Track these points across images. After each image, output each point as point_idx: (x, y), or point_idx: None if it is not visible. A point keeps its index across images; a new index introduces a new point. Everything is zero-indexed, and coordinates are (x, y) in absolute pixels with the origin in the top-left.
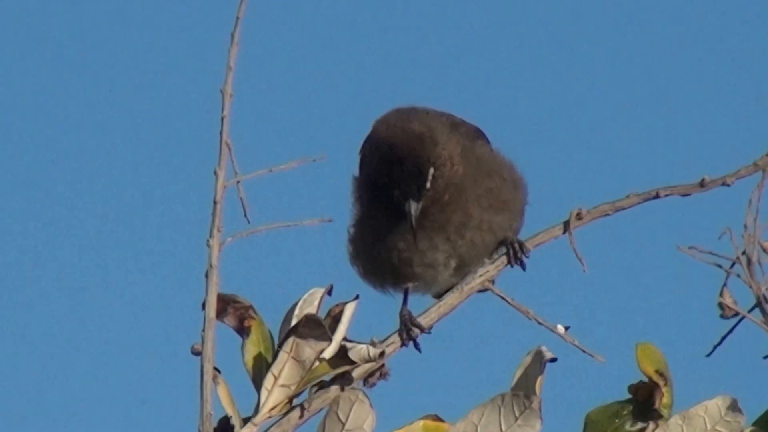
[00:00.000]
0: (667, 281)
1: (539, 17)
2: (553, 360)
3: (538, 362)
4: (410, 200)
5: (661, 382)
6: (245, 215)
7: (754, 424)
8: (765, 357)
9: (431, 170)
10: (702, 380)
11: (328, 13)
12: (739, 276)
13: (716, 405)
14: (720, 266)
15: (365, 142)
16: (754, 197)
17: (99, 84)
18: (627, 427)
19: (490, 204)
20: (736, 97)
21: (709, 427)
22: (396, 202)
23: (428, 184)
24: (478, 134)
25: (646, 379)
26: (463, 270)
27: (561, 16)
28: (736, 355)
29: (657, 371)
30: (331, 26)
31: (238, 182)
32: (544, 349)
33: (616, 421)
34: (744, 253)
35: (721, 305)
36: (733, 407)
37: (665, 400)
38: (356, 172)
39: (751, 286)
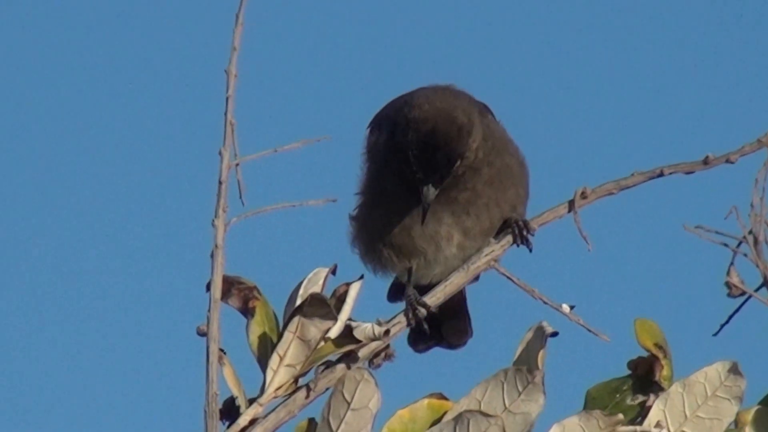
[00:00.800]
0: (672, 260)
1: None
2: (554, 334)
3: (540, 337)
4: (430, 186)
5: (660, 355)
6: (240, 197)
7: (760, 403)
8: None
9: (459, 162)
10: (709, 359)
11: None
12: (745, 255)
13: (716, 370)
14: (727, 245)
15: (399, 109)
16: (760, 176)
17: (106, 66)
18: (627, 401)
19: (500, 181)
20: (739, 75)
21: (709, 393)
22: (414, 180)
23: (455, 170)
24: (486, 110)
25: (645, 354)
26: (466, 246)
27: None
28: (743, 334)
29: (656, 344)
30: (336, 7)
31: (237, 164)
32: (544, 323)
33: (617, 396)
34: (751, 232)
35: (728, 284)
36: (734, 371)
37: (665, 372)
38: (370, 134)
39: (758, 266)
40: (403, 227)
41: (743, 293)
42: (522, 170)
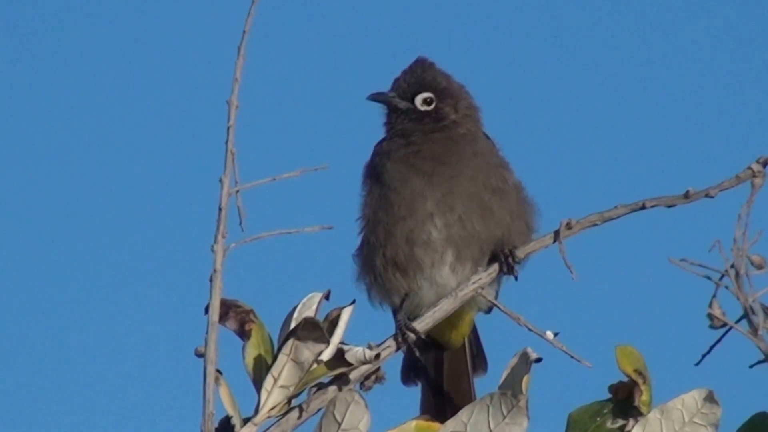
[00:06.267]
0: (653, 289)
1: (530, 31)
2: (539, 360)
3: (524, 362)
4: (397, 96)
5: (639, 381)
6: (240, 224)
7: (739, 431)
8: (751, 366)
9: (428, 94)
10: (689, 387)
11: (331, 25)
12: (727, 288)
13: (693, 398)
14: (710, 278)
15: None
16: (743, 211)
17: (110, 93)
18: (608, 425)
19: (484, 184)
20: (723, 111)
21: (686, 419)
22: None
23: (421, 100)
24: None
25: (625, 380)
26: (457, 269)
27: (552, 31)
28: (722, 363)
29: (636, 370)
30: (335, 39)
31: (237, 191)
32: (529, 350)
33: (597, 419)
34: (733, 266)
35: (710, 316)
36: (710, 399)
37: (644, 397)
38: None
39: (739, 298)
40: (404, 235)
41: (724, 325)
42: (522, 206)
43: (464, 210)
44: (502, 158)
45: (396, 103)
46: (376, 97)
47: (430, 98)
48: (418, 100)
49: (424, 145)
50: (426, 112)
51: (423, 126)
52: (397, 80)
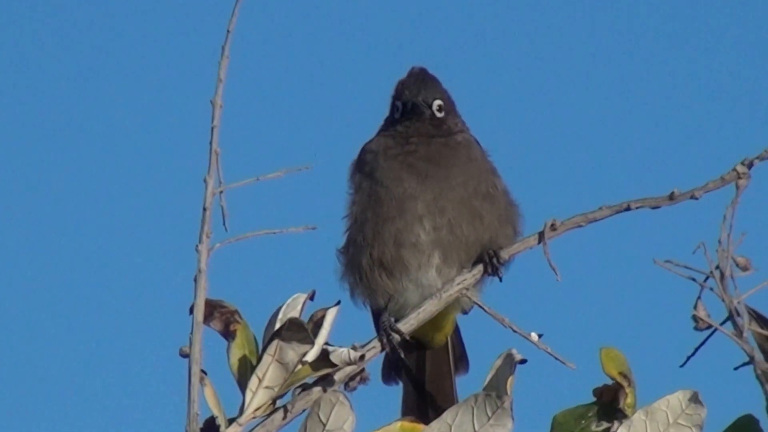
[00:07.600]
0: (638, 291)
1: (513, 33)
2: (523, 361)
3: (509, 364)
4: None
5: (624, 384)
6: (224, 224)
7: None
8: (736, 368)
9: (441, 102)
10: (673, 389)
11: (314, 26)
12: (712, 290)
13: (678, 399)
14: (694, 280)
15: None
16: (728, 213)
17: (94, 93)
18: (592, 428)
19: (475, 189)
20: (708, 113)
21: (671, 420)
22: (405, 109)
23: (436, 107)
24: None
25: (610, 383)
26: (445, 270)
27: (534, 34)
28: (707, 365)
29: (620, 373)
30: (318, 40)
31: (221, 191)
32: (513, 351)
33: (582, 422)
34: (717, 267)
35: (695, 318)
36: (695, 400)
37: (629, 400)
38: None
39: (723, 300)
40: (392, 236)
41: (709, 326)
42: (510, 209)
43: (454, 214)
44: (491, 164)
45: (425, 110)
46: (424, 104)
47: (441, 105)
48: (435, 106)
49: (422, 146)
50: (440, 119)
51: (429, 131)
52: (412, 87)
